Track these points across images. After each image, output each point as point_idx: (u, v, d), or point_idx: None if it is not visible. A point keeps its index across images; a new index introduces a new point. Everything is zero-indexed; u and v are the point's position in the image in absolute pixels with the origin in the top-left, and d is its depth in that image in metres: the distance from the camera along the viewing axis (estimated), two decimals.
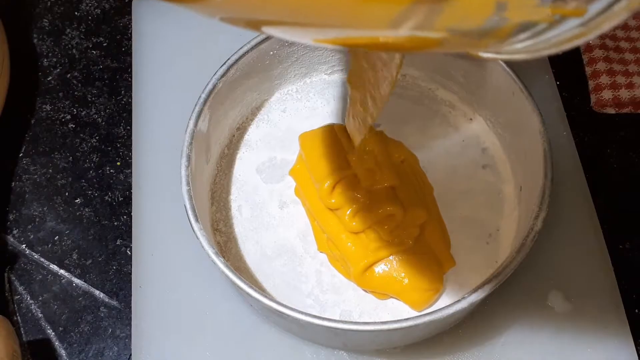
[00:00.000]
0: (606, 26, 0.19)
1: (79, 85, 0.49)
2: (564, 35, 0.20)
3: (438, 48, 0.23)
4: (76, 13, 0.52)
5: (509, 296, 0.39)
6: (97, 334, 0.41)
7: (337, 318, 0.39)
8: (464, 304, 0.33)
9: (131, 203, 0.43)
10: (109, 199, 0.45)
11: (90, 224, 0.44)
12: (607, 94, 0.45)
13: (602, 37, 0.47)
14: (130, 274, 0.41)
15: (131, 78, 0.48)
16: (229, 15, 0.20)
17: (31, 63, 0.50)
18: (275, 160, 0.44)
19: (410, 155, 0.43)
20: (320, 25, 0.19)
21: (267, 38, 0.41)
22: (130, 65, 0.49)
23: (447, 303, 0.34)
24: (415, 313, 0.38)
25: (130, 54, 0.49)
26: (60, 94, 0.49)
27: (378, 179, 0.40)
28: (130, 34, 0.50)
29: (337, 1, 0.17)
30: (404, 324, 0.33)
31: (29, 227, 0.44)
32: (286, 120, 0.45)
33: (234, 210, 0.42)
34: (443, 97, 0.45)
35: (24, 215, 0.45)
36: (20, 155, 0.47)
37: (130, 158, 0.45)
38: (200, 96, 0.39)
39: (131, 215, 0.43)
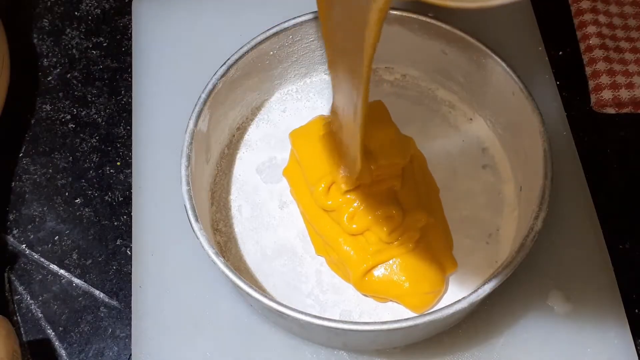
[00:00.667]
0: None
1: (79, 85, 0.49)
2: None
3: None
4: (76, 13, 0.52)
5: (509, 296, 0.39)
6: (97, 334, 0.41)
7: (337, 318, 0.39)
8: (464, 304, 0.33)
9: (131, 203, 0.43)
10: (109, 199, 0.45)
11: (90, 224, 0.44)
12: (607, 94, 0.45)
13: (603, 37, 0.47)
14: (130, 274, 0.41)
15: (131, 78, 0.48)
16: None
17: (31, 63, 0.50)
18: (275, 160, 0.44)
19: (419, 154, 0.43)
20: None
21: (267, 38, 0.41)
22: (130, 65, 0.49)
23: (447, 303, 0.34)
24: (415, 313, 0.38)
25: (130, 54, 0.49)
26: (60, 94, 0.49)
27: (378, 179, 0.39)
28: (130, 34, 0.50)
29: None
30: (404, 324, 0.33)
31: (29, 227, 0.44)
32: (286, 120, 0.45)
33: (234, 210, 0.42)
34: (443, 97, 0.45)
35: (24, 215, 0.45)
36: (20, 155, 0.47)
37: (130, 158, 0.45)
38: (200, 96, 0.39)
39: (131, 215, 0.43)
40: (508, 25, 0.47)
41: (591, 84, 0.46)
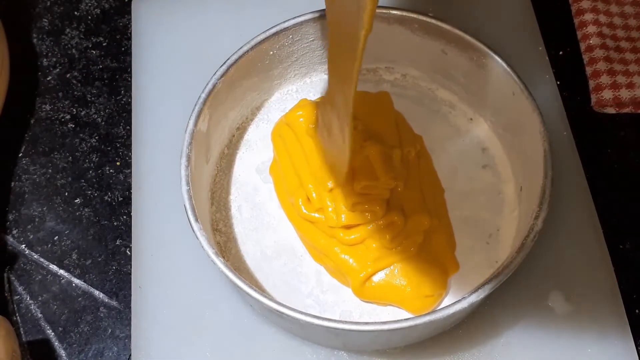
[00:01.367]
0: None
1: (79, 85, 0.49)
2: None
3: None
4: (76, 13, 0.52)
5: (509, 296, 0.39)
6: (97, 334, 0.41)
7: (337, 318, 0.39)
8: (464, 304, 0.33)
9: (131, 203, 0.43)
10: (109, 199, 0.45)
11: (90, 224, 0.44)
12: (607, 94, 0.45)
13: (603, 36, 0.47)
14: (130, 274, 0.41)
15: (131, 78, 0.48)
16: None
17: (31, 63, 0.50)
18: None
19: (427, 152, 0.43)
20: None
21: (267, 38, 0.41)
22: (130, 65, 0.49)
23: (447, 303, 0.34)
24: None
25: (130, 54, 0.49)
26: (60, 94, 0.49)
27: (376, 182, 0.39)
28: (130, 33, 0.50)
29: None
30: (404, 324, 0.33)
31: (29, 227, 0.44)
32: None
33: (234, 210, 0.42)
34: (443, 97, 0.45)
35: (23, 215, 0.45)
36: (20, 155, 0.47)
37: (130, 158, 0.45)
38: (200, 96, 0.39)
39: (131, 215, 0.43)
40: (508, 25, 0.47)
41: (591, 83, 0.46)
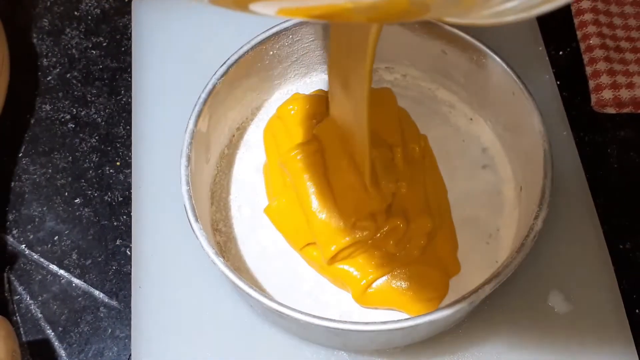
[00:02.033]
0: None
1: (79, 85, 0.49)
2: None
3: (424, 13, 0.22)
4: (76, 13, 0.52)
5: (509, 296, 0.39)
6: (97, 334, 0.41)
7: (337, 318, 0.39)
8: (464, 304, 0.33)
9: (131, 203, 0.43)
10: (109, 199, 0.45)
11: (89, 224, 0.44)
12: (607, 94, 0.45)
13: (603, 36, 0.47)
14: (130, 274, 0.41)
15: (131, 78, 0.48)
16: None
17: (31, 63, 0.50)
18: None
19: (431, 151, 0.42)
20: None
21: (267, 38, 0.41)
22: (130, 65, 0.49)
23: (447, 303, 0.34)
24: None
25: (130, 54, 0.49)
26: (60, 94, 0.49)
27: (379, 185, 0.38)
28: (130, 33, 0.50)
29: None
30: (404, 324, 0.33)
31: (29, 227, 0.44)
32: None
33: (234, 210, 0.42)
34: (443, 97, 0.45)
35: (23, 215, 0.45)
36: (20, 155, 0.47)
37: (130, 158, 0.45)
38: (200, 96, 0.39)
39: (131, 215, 0.43)
40: (508, 25, 0.47)
41: (591, 83, 0.46)
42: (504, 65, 0.39)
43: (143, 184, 0.43)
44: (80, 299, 0.42)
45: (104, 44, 0.51)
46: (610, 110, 0.46)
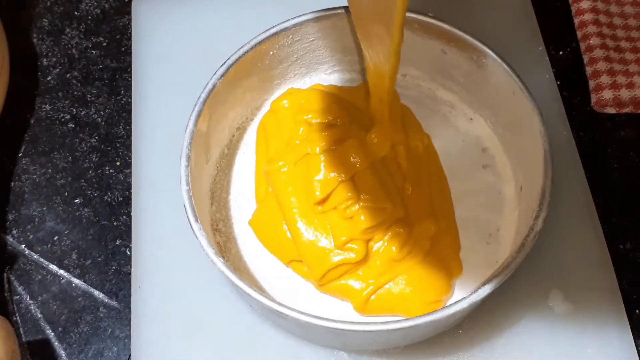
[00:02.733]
0: None
1: (79, 85, 0.49)
2: None
3: None
4: (76, 13, 0.52)
5: (509, 296, 0.39)
6: (97, 334, 0.41)
7: (337, 318, 0.39)
8: (464, 304, 0.33)
9: (131, 203, 0.43)
10: (109, 199, 0.45)
11: (89, 224, 0.44)
12: (607, 94, 0.45)
13: (603, 36, 0.47)
14: (130, 274, 0.41)
15: (131, 78, 0.48)
16: None
17: (31, 63, 0.50)
18: None
19: (434, 151, 0.42)
20: None
21: (267, 38, 0.41)
22: (130, 65, 0.49)
23: (447, 303, 0.34)
24: None
25: (130, 54, 0.49)
26: (60, 94, 0.49)
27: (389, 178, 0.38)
28: (130, 33, 0.50)
29: None
30: (404, 324, 0.33)
31: (29, 227, 0.44)
32: None
33: (234, 210, 0.42)
34: (443, 97, 0.45)
35: (23, 215, 0.45)
36: (20, 155, 0.47)
37: (130, 158, 0.45)
38: (200, 96, 0.39)
39: (131, 215, 0.43)
40: (508, 25, 0.47)
41: (591, 83, 0.46)
42: (504, 65, 0.39)
43: (143, 184, 0.43)
44: (80, 299, 0.42)
45: (104, 44, 0.51)
46: (610, 110, 0.46)
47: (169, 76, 0.46)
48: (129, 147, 0.46)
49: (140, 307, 0.40)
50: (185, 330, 0.39)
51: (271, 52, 0.42)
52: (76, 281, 0.43)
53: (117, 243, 0.44)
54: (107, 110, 0.48)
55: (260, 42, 0.41)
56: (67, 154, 0.47)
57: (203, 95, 0.39)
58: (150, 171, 0.43)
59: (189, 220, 0.36)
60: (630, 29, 0.48)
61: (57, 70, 0.50)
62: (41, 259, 0.43)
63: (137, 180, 0.43)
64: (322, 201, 0.37)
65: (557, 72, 0.46)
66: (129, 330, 0.40)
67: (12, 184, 0.46)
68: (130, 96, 0.47)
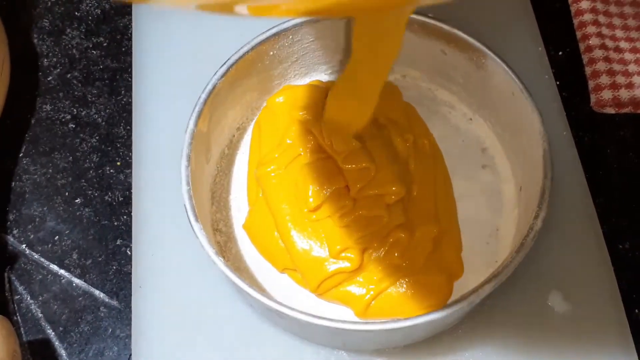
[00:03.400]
0: None
1: (79, 85, 0.49)
2: None
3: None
4: (76, 13, 0.52)
5: (509, 296, 0.39)
6: (97, 334, 0.41)
7: (337, 318, 0.39)
8: (464, 304, 0.33)
9: (131, 203, 0.43)
10: (109, 199, 0.45)
11: (90, 224, 0.44)
12: (607, 94, 0.45)
13: (602, 37, 0.47)
14: (130, 274, 0.41)
15: (131, 78, 0.48)
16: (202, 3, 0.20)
17: (31, 63, 0.50)
18: None
19: (437, 147, 0.42)
20: None
21: (267, 38, 0.41)
22: (130, 65, 0.49)
23: (447, 303, 0.34)
24: None
25: (130, 54, 0.49)
26: (61, 94, 0.49)
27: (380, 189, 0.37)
28: (131, 34, 0.50)
29: None
30: (404, 324, 0.33)
31: (29, 227, 0.44)
32: None
33: (234, 210, 0.42)
34: (443, 97, 0.45)
35: (24, 215, 0.45)
36: (20, 155, 0.47)
37: (130, 158, 0.45)
38: (200, 96, 0.39)
39: (131, 215, 0.43)
40: (508, 25, 0.47)
41: (591, 84, 0.46)
42: (503, 65, 0.39)
43: (143, 184, 0.43)
44: (80, 298, 0.42)
45: (105, 44, 0.51)
46: (610, 110, 0.46)
47: (169, 76, 0.46)
48: (129, 147, 0.46)
49: (141, 306, 0.40)
50: (186, 330, 0.39)
51: (271, 53, 0.42)
52: (77, 281, 0.43)
53: (118, 243, 0.44)
54: (107, 111, 0.48)
55: (260, 43, 0.41)
56: (68, 154, 0.47)
57: (203, 96, 0.39)
58: (151, 171, 0.43)
59: (189, 220, 0.36)
60: (630, 29, 0.48)
61: (58, 70, 0.50)
62: (42, 259, 0.43)
63: (138, 180, 0.43)
64: (316, 209, 0.37)
65: (556, 72, 0.46)
66: (130, 330, 0.40)
67: (13, 184, 0.46)
68: (130, 96, 0.47)
